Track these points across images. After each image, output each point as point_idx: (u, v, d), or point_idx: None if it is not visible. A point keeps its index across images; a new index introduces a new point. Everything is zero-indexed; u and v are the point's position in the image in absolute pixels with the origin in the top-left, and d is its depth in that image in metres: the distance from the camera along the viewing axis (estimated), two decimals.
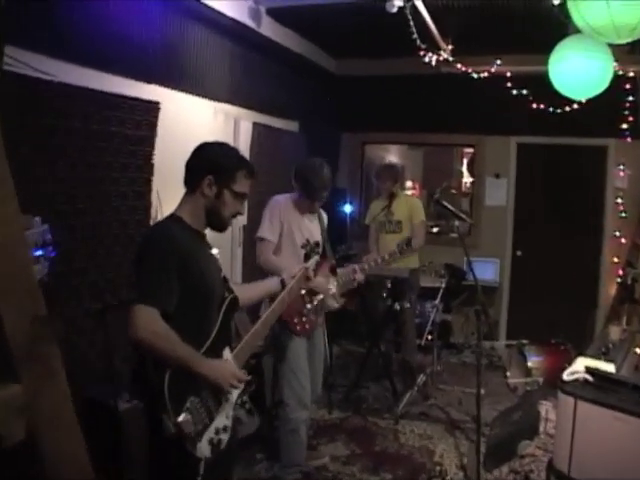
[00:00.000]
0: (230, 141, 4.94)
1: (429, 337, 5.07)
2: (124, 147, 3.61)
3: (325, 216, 3.72)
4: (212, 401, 2.08)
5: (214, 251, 4.19)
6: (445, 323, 6.18)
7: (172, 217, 2.18)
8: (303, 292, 3.31)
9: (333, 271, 3.55)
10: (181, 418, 1.93)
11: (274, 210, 3.46)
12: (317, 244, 3.55)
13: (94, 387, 3.12)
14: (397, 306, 4.87)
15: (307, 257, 2.95)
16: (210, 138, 4.83)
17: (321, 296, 3.48)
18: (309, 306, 3.44)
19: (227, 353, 2.18)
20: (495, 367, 5.70)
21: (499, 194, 6.49)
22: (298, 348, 3.45)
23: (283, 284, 2.55)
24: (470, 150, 7.32)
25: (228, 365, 2.12)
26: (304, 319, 3.41)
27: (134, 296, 2.00)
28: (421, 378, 4.80)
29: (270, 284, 2.59)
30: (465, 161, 8.49)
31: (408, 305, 4.95)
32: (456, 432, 4.34)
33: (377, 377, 5.26)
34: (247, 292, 2.50)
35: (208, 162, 2.15)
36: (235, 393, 2.18)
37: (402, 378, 5.18)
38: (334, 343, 5.46)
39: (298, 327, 3.40)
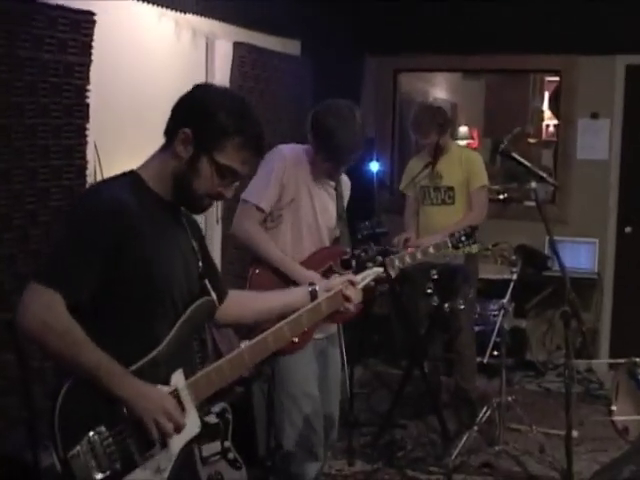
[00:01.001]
0: (201, 70, 4.94)
1: (495, 353, 5.02)
2: (43, 79, 3.58)
3: (348, 184, 3.72)
4: (135, 441, 2.05)
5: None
6: (518, 332, 6.19)
7: (129, 174, 2.20)
8: None
9: (345, 266, 3.50)
10: (73, 454, 1.92)
11: (276, 166, 3.43)
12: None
13: (5, 436, 3.12)
14: (447, 307, 4.83)
15: (360, 264, 2.86)
16: (170, 65, 4.81)
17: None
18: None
19: (179, 379, 2.15)
20: (594, 398, 5.71)
21: (598, 143, 6.45)
22: (302, 367, 3.45)
23: (314, 298, 2.52)
24: (554, 79, 7.31)
25: (160, 395, 2.08)
26: None
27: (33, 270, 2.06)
28: (484, 413, 4.76)
29: (295, 295, 2.56)
30: (547, 95, 8.45)
31: (463, 306, 4.91)
32: None
33: (419, 412, 5.27)
34: (263, 302, 2.52)
35: (191, 108, 2.16)
36: (179, 440, 2.14)
37: (456, 413, 5.15)
38: (356, 362, 5.45)
39: None
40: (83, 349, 1.97)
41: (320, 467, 3.55)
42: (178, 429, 2.10)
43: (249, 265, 3.54)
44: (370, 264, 2.77)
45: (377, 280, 2.66)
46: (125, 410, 2.02)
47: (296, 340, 3.34)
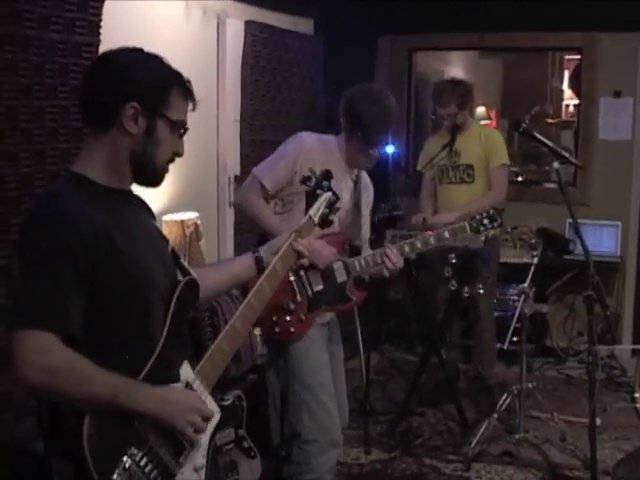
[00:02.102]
0: (212, 49, 4.93)
1: (515, 339, 5.01)
2: (50, 60, 3.57)
3: (370, 186, 3.77)
4: (167, 450, 2.02)
5: (188, 215, 4.21)
6: (539, 318, 6.19)
7: (70, 177, 2.09)
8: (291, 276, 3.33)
9: (348, 252, 3.54)
10: None
11: (290, 152, 3.48)
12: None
13: (13, 426, 3.11)
14: (466, 292, 4.82)
15: (310, 200, 2.69)
16: (180, 45, 4.80)
17: (321, 286, 3.45)
18: (299, 298, 3.40)
19: (186, 371, 2.13)
20: (617, 385, 5.71)
21: (621, 123, 6.41)
22: (314, 356, 3.45)
23: (260, 265, 2.47)
24: (575, 57, 7.24)
25: (183, 394, 2.07)
26: (288, 318, 3.37)
27: (10, 315, 1.91)
28: (504, 401, 4.75)
29: (240, 265, 2.52)
30: (567, 74, 8.41)
31: (482, 291, 4.90)
32: None
33: (437, 399, 5.28)
34: (208, 278, 2.43)
35: (127, 82, 2.06)
36: (206, 433, 2.14)
37: (475, 400, 5.15)
38: (372, 349, 5.47)
39: (276, 329, 3.37)
40: (94, 380, 1.91)
41: (338, 455, 3.56)
42: (209, 419, 2.11)
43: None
44: (319, 191, 2.63)
45: (330, 206, 2.62)
46: (153, 423, 1.98)
47: (293, 330, 3.39)
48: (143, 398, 1.96)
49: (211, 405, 2.16)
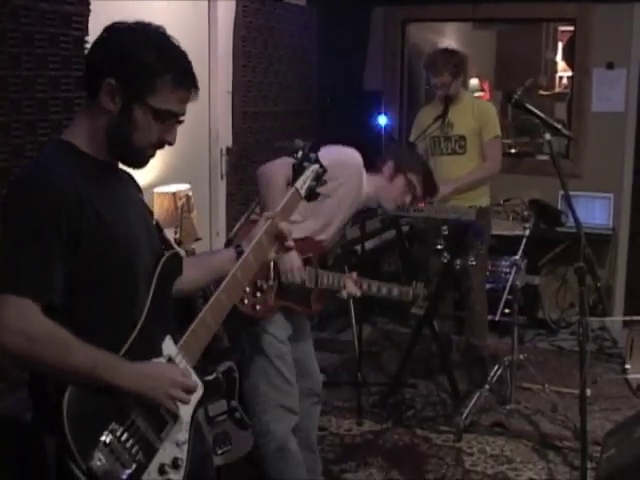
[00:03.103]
0: (203, 20, 4.90)
1: (507, 310, 5.02)
2: (39, 30, 3.56)
3: None
4: (149, 425, 2.00)
5: (179, 187, 4.19)
6: (531, 290, 6.21)
7: (57, 144, 2.06)
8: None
9: (321, 263, 3.53)
10: (94, 462, 1.84)
11: (351, 163, 3.49)
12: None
13: (5, 397, 3.12)
14: (458, 264, 4.81)
15: (297, 173, 2.59)
16: (171, 12, 4.75)
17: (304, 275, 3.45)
18: (272, 282, 3.36)
19: (169, 346, 2.10)
20: (608, 356, 5.72)
21: (614, 94, 6.39)
22: (276, 329, 3.43)
23: (239, 253, 2.39)
24: (568, 28, 7.24)
25: (164, 368, 2.05)
26: (258, 294, 3.33)
27: None
28: (495, 372, 4.77)
29: (221, 259, 2.44)
30: (560, 45, 8.39)
31: (474, 262, 4.90)
32: (550, 454, 4.34)
33: (429, 371, 5.31)
34: (188, 271, 2.38)
35: (110, 55, 1.98)
36: (188, 407, 2.11)
37: (467, 372, 5.17)
38: (365, 321, 5.48)
39: (245, 301, 3.30)
40: (73, 350, 1.88)
41: (297, 420, 3.52)
42: (192, 391, 2.08)
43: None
44: (306, 163, 2.52)
45: (317, 178, 2.52)
46: (135, 398, 1.96)
47: (258, 307, 3.33)
48: (123, 372, 1.94)
49: (194, 379, 2.14)
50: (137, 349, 2.00)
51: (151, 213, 2.30)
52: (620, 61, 6.36)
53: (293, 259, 3.33)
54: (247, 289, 3.28)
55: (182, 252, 2.28)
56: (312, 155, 2.55)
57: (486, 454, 4.34)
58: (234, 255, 2.38)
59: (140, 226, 2.13)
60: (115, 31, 2.02)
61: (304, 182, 2.49)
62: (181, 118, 2.10)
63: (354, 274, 3.65)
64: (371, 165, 3.60)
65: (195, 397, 2.14)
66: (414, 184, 3.59)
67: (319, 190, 2.58)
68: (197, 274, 2.41)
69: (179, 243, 3.62)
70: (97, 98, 1.99)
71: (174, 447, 2.06)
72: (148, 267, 2.11)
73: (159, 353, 2.06)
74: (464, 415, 4.55)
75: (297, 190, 2.46)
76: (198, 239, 4.31)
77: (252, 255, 2.32)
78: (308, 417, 3.65)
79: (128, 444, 1.92)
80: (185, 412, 2.11)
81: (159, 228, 2.25)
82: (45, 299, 1.88)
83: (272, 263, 3.29)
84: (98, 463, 1.84)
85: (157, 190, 4.13)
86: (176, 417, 2.07)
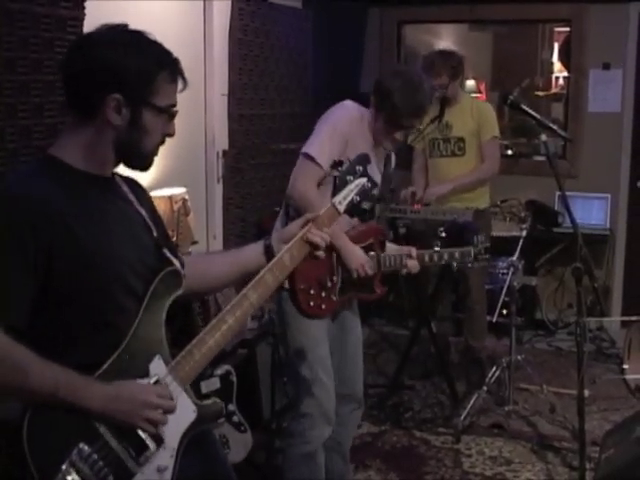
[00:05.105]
0: (199, 22, 4.89)
1: (504, 312, 5.03)
2: (34, 34, 3.55)
3: (394, 159, 3.70)
4: (125, 448, 1.91)
5: (176, 190, 4.18)
6: (528, 290, 6.20)
7: (43, 160, 2.02)
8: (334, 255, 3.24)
9: (381, 245, 3.47)
10: None
11: (341, 123, 3.32)
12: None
13: None
14: (455, 265, 4.80)
15: (339, 186, 2.42)
16: (166, 15, 4.74)
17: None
18: (335, 278, 3.34)
19: (158, 366, 2.01)
20: (606, 356, 5.73)
21: (610, 95, 6.39)
22: (317, 330, 3.40)
23: (269, 254, 2.29)
24: (564, 29, 7.20)
25: (137, 390, 1.94)
26: (323, 294, 3.29)
27: None
28: (493, 373, 4.77)
29: (249, 254, 2.34)
30: (557, 46, 8.37)
31: (471, 264, 4.88)
32: (548, 454, 4.34)
33: (427, 373, 5.31)
34: (215, 267, 2.34)
35: (108, 70, 1.95)
36: (175, 432, 2.02)
37: (465, 373, 5.16)
38: (362, 323, 5.45)
39: (311, 303, 3.24)
40: (31, 371, 1.80)
41: (330, 432, 3.48)
42: (170, 411, 1.97)
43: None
44: (350, 177, 2.35)
45: (363, 193, 2.35)
46: (104, 420, 1.88)
47: (324, 307, 3.28)
48: (89, 393, 1.86)
49: (185, 403, 2.04)
50: (118, 369, 1.93)
51: (149, 229, 2.18)
52: (616, 61, 6.37)
53: (358, 254, 3.29)
54: (312, 290, 3.22)
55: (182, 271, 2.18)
56: (359, 168, 2.39)
57: (484, 455, 4.34)
58: (261, 248, 2.29)
59: (127, 244, 2.05)
60: (92, 48, 1.99)
61: (344, 197, 2.32)
62: (176, 120, 2.10)
63: (413, 249, 3.55)
64: None
65: (184, 422, 2.04)
66: (394, 118, 3.36)
67: (367, 206, 2.39)
68: (224, 271, 2.33)
69: (176, 246, 3.61)
70: (97, 115, 1.96)
71: (154, 473, 1.96)
72: (136, 285, 2.04)
73: (145, 373, 1.98)
74: (462, 416, 4.55)
75: (334, 205, 2.31)
76: (195, 242, 4.32)
77: (288, 257, 2.22)
78: (344, 425, 3.61)
79: (97, 466, 1.85)
80: (171, 437, 2.00)
81: (159, 244, 2.16)
82: (4, 320, 1.81)
83: (335, 258, 3.26)
84: None
85: (153, 194, 4.11)
86: (160, 441, 1.97)
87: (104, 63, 1.94)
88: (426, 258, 3.64)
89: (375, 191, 2.41)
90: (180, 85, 2.07)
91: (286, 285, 3.07)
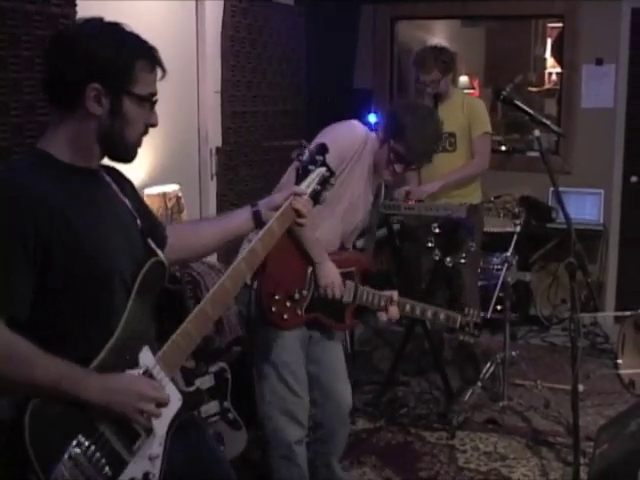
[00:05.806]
0: (191, 19, 4.88)
1: (498, 307, 5.03)
2: (26, 32, 3.54)
3: (384, 192, 3.73)
4: (119, 438, 1.97)
5: (169, 188, 4.18)
6: (522, 286, 6.22)
7: (32, 154, 2.05)
8: (309, 270, 3.24)
9: (363, 278, 3.44)
10: (55, 476, 1.81)
11: (343, 140, 3.28)
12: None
13: None
14: (449, 261, 4.81)
15: (301, 175, 2.53)
16: (158, 13, 4.72)
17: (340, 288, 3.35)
18: (305, 293, 3.30)
19: (146, 356, 2.05)
20: (600, 352, 5.75)
21: (603, 90, 6.40)
22: (285, 338, 3.33)
23: (258, 220, 2.39)
24: (557, 24, 7.21)
25: (133, 381, 1.99)
26: (288, 304, 3.26)
27: None
28: (488, 369, 4.78)
29: (238, 220, 2.42)
30: (549, 42, 8.38)
31: (464, 260, 4.90)
32: (542, 450, 4.35)
33: (421, 369, 5.31)
34: (204, 234, 2.39)
35: (85, 61, 1.97)
36: (163, 421, 2.07)
37: (459, 369, 5.17)
38: (356, 320, 5.46)
39: (273, 308, 3.23)
40: (36, 365, 1.84)
41: (304, 434, 3.46)
42: (163, 404, 2.03)
43: None
44: (312, 167, 2.46)
45: (323, 183, 2.46)
46: (104, 410, 1.92)
47: (286, 317, 3.26)
48: (89, 386, 1.90)
49: (172, 392, 2.09)
50: (112, 360, 1.97)
51: (147, 213, 2.27)
52: (609, 57, 6.37)
53: (333, 273, 3.28)
54: (277, 296, 3.21)
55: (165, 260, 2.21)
56: (319, 157, 2.49)
57: (479, 451, 4.35)
58: (250, 214, 2.39)
59: (119, 235, 2.09)
60: (69, 39, 2.03)
61: (308, 185, 2.44)
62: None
63: (395, 293, 3.48)
64: None
65: (171, 410, 2.09)
66: (401, 153, 3.31)
67: (325, 194, 2.51)
68: (213, 237, 2.41)
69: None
70: (78, 106, 1.99)
71: (146, 461, 2.02)
72: (127, 277, 2.07)
73: (135, 364, 2.02)
74: (457, 412, 4.57)
75: (300, 193, 2.41)
76: None
77: (276, 223, 2.33)
78: (328, 441, 3.58)
79: (95, 457, 1.89)
80: (160, 425, 2.06)
81: (143, 234, 2.19)
82: (6, 312, 1.84)
83: (309, 272, 3.26)
84: (61, 477, 1.81)
85: (147, 191, 4.11)
86: (149, 430, 2.03)
87: (81, 54, 1.97)
88: (407, 308, 3.55)
89: (333, 180, 2.53)
90: (159, 73, 2.09)
91: (254, 286, 3.10)
